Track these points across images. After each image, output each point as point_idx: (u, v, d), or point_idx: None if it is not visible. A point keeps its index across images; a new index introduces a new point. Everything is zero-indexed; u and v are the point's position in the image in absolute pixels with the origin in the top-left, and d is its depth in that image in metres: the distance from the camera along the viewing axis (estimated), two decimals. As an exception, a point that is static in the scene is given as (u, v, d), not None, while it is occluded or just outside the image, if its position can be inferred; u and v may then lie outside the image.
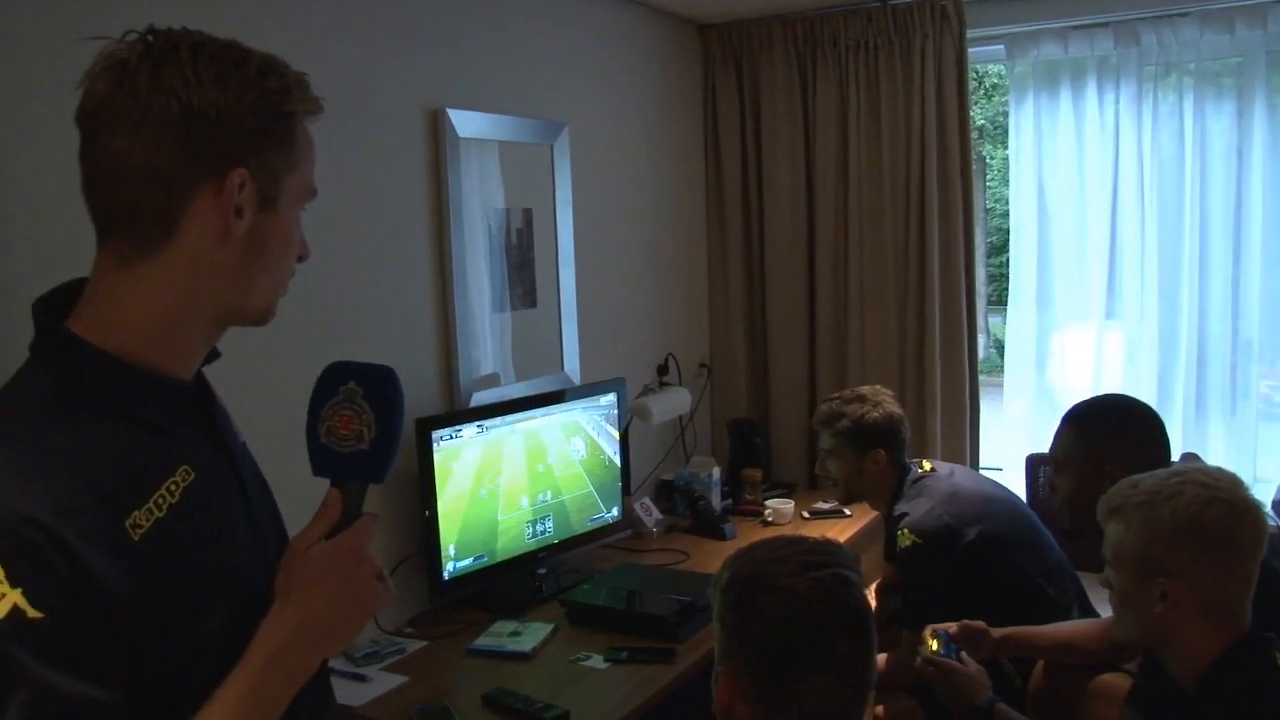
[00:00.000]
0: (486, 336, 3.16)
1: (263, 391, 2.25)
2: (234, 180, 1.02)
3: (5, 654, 0.89)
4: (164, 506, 1.01)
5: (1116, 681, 2.39)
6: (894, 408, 2.95)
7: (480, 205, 3.10)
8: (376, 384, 1.11)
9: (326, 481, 1.12)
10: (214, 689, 1.01)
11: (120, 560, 0.95)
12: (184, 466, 1.06)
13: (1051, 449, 2.48)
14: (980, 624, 2.44)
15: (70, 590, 0.92)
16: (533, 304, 3.35)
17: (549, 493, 3.15)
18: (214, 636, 1.04)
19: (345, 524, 1.09)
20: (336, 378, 1.12)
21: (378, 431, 1.10)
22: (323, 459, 1.11)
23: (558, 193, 3.43)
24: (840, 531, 3.59)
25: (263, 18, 2.42)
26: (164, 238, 1.03)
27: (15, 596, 0.89)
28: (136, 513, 0.98)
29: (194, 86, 0.99)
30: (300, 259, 1.15)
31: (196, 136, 1.00)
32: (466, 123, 3.00)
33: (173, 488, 1.03)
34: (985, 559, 2.69)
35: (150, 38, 1.01)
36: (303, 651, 1.05)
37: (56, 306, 1.06)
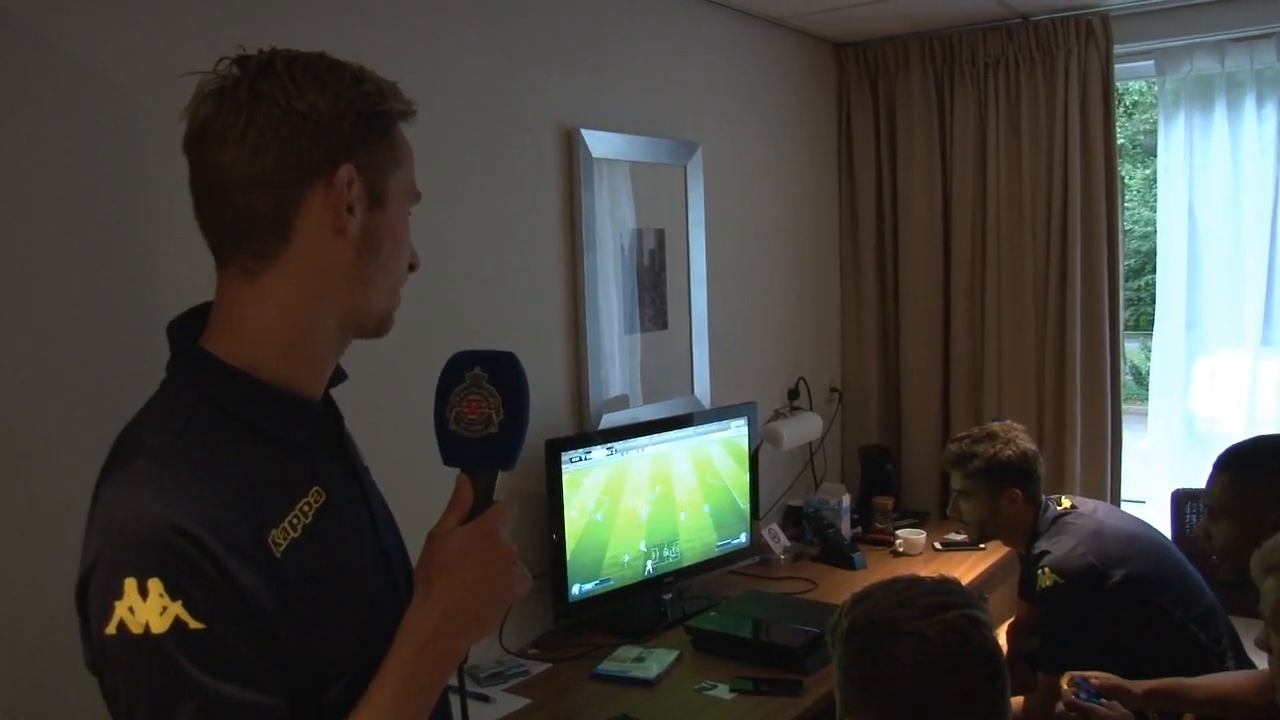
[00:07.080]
0: (616, 358, 3.14)
1: (397, 409, 2.26)
2: (343, 176, 1.03)
3: (173, 666, 0.91)
4: (298, 527, 1.02)
5: (1276, 738, 2.25)
6: (1027, 444, 2.83)
7: (612, 225, 3.10)
8: (501, 367, 1.11)
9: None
10: (353, 705, 1.01)
11: (264, 574, 0.96)
12: (316, 488, 1.07)
13: (1204, 495, 2.34)
14: (1122, 682, 2.32)
15: (225, 600, 0.93)
16: (664, 325, 3.33)
17: (677, 517, 3.11)
18: (349, 657, 1.04)
19: (478, 510, 1.09)
20: (461, 365, 1.12)
21: (506, 414, 1.10)
22: (452, 446, 1.11)
23: (690, 214, 3.41)
24: (973, 566, 3.48)
25: (402, 40, 2.45)
26: (282, 243, 1.03)
27: (176, 609, 0.91)
28: (274, 530, 1.00)
29: (294, 93, 1.01)
30: (411, 268, 1.15)
31: (301, 138, 1.01)
32: (600, 143, 3.00)
33: (306, 509, 1.04)
34: (1132, 602, 2.56)
35: (245, 60, 1.03)
36: (450, 639, 1.05)
37: (189, 328, 1.08)
